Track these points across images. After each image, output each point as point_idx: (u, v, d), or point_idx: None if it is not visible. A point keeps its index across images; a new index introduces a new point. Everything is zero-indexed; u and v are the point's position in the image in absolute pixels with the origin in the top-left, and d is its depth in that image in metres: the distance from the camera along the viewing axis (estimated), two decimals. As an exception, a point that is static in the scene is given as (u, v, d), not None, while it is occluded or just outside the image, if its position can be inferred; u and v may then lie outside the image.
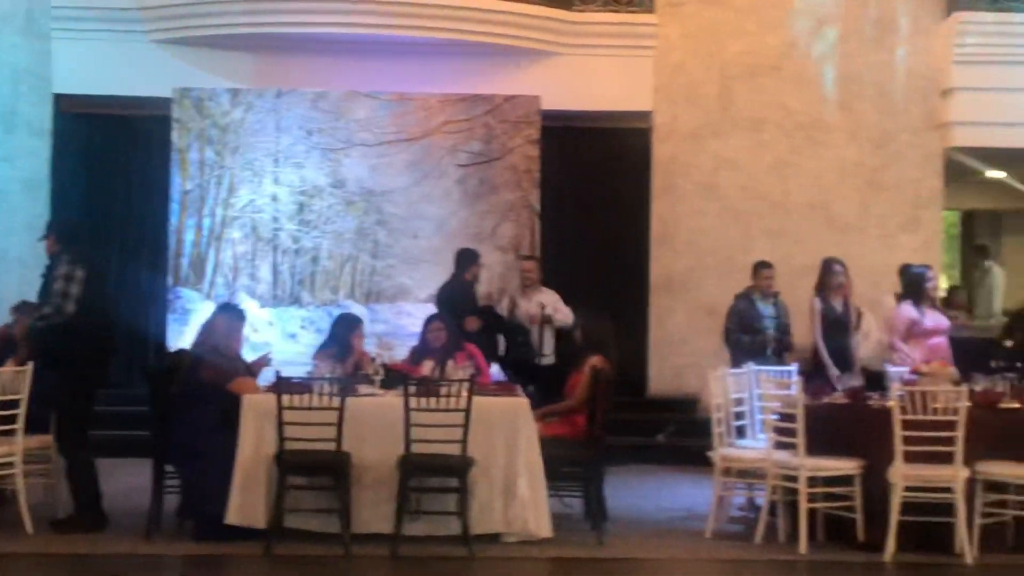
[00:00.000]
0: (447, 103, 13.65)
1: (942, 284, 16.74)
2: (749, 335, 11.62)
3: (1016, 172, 16.96)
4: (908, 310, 10.60)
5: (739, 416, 10.07)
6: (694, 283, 14.02)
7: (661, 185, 14.09)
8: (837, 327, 11.27)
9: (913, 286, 10.80)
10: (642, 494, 10.90)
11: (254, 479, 8.51)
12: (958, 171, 15.11)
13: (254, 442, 8.55)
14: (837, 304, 11.37)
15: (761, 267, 11.98)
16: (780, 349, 11.72)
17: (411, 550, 8.36)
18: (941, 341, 10.68)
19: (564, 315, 11.87)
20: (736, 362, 11.19)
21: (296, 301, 13.48)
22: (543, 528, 8.69)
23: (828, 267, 11.53)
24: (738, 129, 14.12)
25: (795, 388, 8.83)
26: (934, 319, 10.69)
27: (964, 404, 8.31)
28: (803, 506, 8.59)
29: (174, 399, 8.81)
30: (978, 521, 8.50)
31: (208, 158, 13.55)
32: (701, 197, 14.08)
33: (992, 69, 13.65)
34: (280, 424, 8.38)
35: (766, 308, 11.79)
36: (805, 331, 11.77)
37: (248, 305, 12.86)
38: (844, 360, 11.17)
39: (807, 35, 14.13)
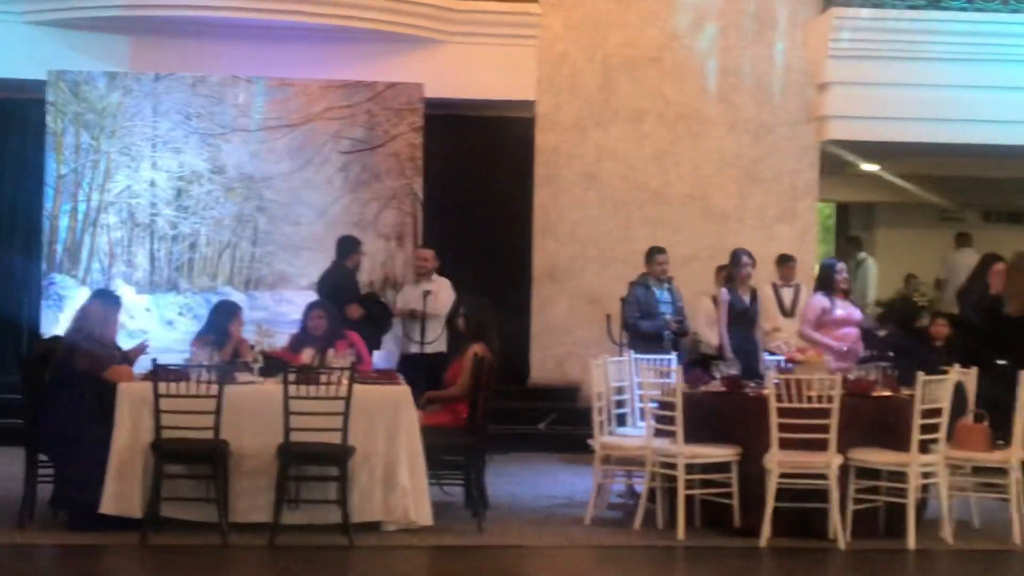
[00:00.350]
0: (329, 89, 13.55)
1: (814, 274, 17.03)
2: (648, 320, 11.71)
3: (889, 166, 17.31)
4: (820, 300, 10.67)
5: (620, 404, 10.17)
6: (576, 272, 14.11)
7: (544, 175, 14.13)
8: (743, 319, 11.36)
9: (824, 278, 10.96)
10: (523, 482, 10.93)
11: (129, 468, 8.38)
12: (833, 164, 15.37)
13: (130, 430, 8.42)
14: (744, 296, 11.47)
15: (655, 253, 12.12)
16: (678, 333, 11.86)
17: (290, 539, 8.30)
18: (851, 331, 10.75)
19: (435, 307, 11.81)
20: (636, 348, 11.28)
21: (174, 288, 13.29)
22: (423, 516, 8.69)
23: (737, 259, 11.65)
24: (619, 120, 14.22)
25: (674, 377, 8.92)
26: (845, 309, 10.74)
27: (838, 392, 8.46)
28: (681, 493, 8.68)
29: (48, 387, 8.64)
30: (851, 507, 8.66)
31: (84, 142, 13.29)
32: (583, 187, 14.15)
33: (867, 64, 13.90)
34: (157, 412, 8.26)
35: (662, 293, 11.92)
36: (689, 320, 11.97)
37: (124, 291, 12.67)
38: (748, 352, 11.29)
39: (687, 28, 14.27)
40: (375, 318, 11.76)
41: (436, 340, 11.80)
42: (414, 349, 11.82)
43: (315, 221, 13.47)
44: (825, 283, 10.82)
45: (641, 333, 11.85)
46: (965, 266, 15.30)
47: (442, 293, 11.90)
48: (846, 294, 10.79)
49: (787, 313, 12.56)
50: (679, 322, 11.88)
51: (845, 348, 10.37)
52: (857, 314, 10.92)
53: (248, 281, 13.39)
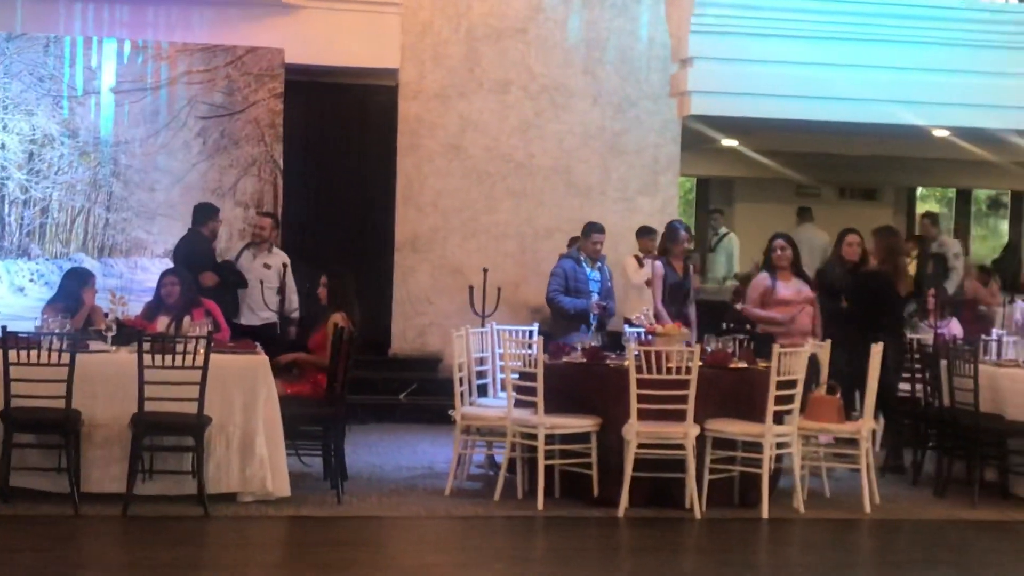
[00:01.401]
0: (186, 52, 13.25)
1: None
2: (572, 298, 11.31)
3: (749, 141, 17.55)
4: (762, 279, 10.64)
5: (481, 375, 10.18)
6: (439, 243, 14.05)
7: (407, 144, 14.03)
8: (676, 292, 11.29)
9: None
10: (383, 453, 10.89)
11: (-22, 438, 8.17)
12: (695, 138, 15.52)
13: (-22, 399, 8.20)
14: (679, 269, 11.39)
15: (592, 230, 11.54)
16: (604, 317, 11.50)
17: (144, 510, 8.19)
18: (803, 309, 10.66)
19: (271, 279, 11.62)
20: (557, 329, 11.19)
21: (25, 253, 12.92)
22: (281, 487, 8.62)
23: (674, 232, 11.39)
24: (483, 91, 14.17)
25: (535, 348, 8.94)
26: (790, 288, 10.58)
27: (696, 364, 8.56)
28: (541, 463, 8.73)
29: None
30: (707, 477, 8.79)
31: (-69, 103, 12.87)
32: (446, 157, 14.08)
33: (728, 40, 14.01)
34: (6, 380, 8.10)
35: (592, 272, 11.58)
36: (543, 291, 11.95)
37: (-28, 257, 12.33)
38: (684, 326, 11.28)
39: (553, 0, 14.26)
40: (230, 286, 11.57)
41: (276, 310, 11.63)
42: (246, 320, 11.63)
43: (171, 187, 13.20)
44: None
45: (563, 311, 11.34)
46: (807, 240, 15.56)
47: (280, 266, 11.62)
48: (798, 273, 10.61)
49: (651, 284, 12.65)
50: (603, 307, 11.37)
51: (789, 318, 10.35)
52: (807, 292, 10.62)
53: (102, 247, 13.08)
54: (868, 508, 9.00)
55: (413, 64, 14.03)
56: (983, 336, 11.46)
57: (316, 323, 9.87)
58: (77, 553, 7.60)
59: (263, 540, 8.08)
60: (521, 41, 14.15)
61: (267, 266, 11.64)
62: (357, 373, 9.77)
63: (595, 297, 11.40)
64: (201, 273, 11.05)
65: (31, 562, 7.18)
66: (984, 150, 16.91)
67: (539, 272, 13.49)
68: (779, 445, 8.80)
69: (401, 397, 13.10)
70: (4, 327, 8.31)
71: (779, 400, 8.69)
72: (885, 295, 10.59)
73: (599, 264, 11.59)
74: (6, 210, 12.97)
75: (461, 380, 9.43)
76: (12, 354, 8.12)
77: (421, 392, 13.12)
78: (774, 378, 8.63)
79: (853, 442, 9.26)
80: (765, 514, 8.66)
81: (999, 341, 11.05)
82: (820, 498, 9.33)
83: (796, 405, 8.82)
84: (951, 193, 22.65)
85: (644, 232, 13.08)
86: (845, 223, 12.23)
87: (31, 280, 12.87)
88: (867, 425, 9.21)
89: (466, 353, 9.64)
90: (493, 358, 10.33)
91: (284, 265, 11.50)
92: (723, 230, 18.01)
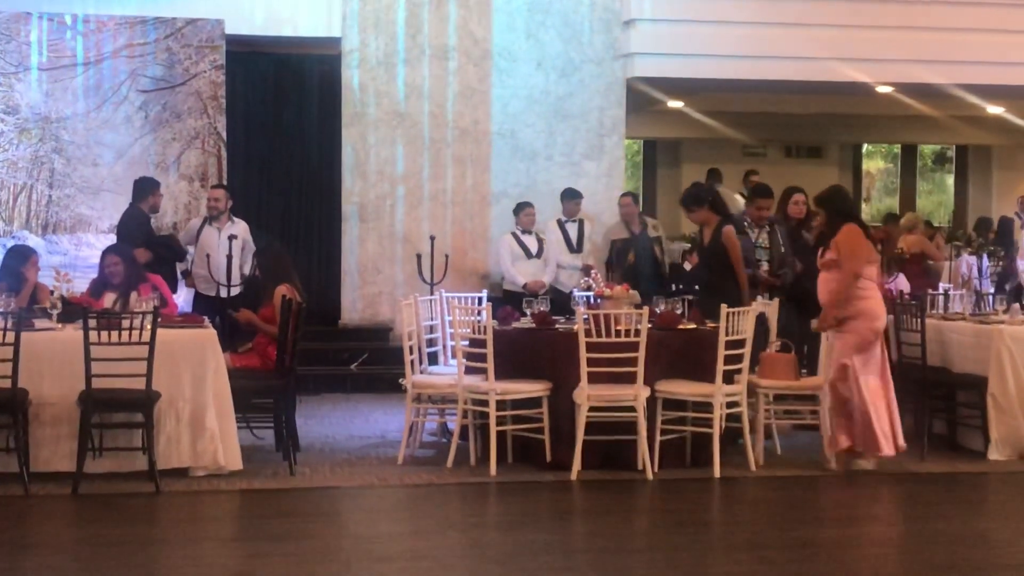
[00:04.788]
0: (124, 25, 13.10)
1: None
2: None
3: (694, 102, 17.57)
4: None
5: (431, 343, 10.17)
6: (386, 212, 13.98)
7: (351, 113, 13.94)
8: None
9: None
10: (334, 423, 10.88)
11: (-77, 420, 8.08)
12: (641, 100, 15.52)
13: (-78, 381, 8.10)
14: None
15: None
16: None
17: (95, 488, 8.14)
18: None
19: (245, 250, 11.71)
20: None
21: (-33, 233, 12.81)
22: (233, 460, 8.60)
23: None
24: (427, 57, 14.08)
25: (484, 315, 8.93)
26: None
27: (645, 326, 8.58)
28: (492, 429, 8.73)
29: None
30: (659, 438, 8.82)
31: None
32: (391, 125, 14.00)
33: (671, 1, 14.03)
34: (-50, 362, 7.98)
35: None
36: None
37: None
38: None
39: (493, -37, 14.18)
40: (164, 261, 11.45)
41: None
42: (212, 292, 11.60)
43: (115, 162, 13.08)
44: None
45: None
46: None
47: (246, 236, 11.73)
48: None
49: (573, 249, 12.82)
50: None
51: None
52: None
53: (46, 225, 12.96)
54: (834, 464, 9.05)
55: (355, 32, 13.93)
56: (930, 291, 11.58)
57: (261, 298, 9.81)
58: (28, 533, 7.54)
59: (216, 514, 8.05)
60: (463, 7, 14.05)
61: (233, 237, 11.58)
62: (307, 344, 9.74)
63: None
64: (135, 249, 10.94)
65: (-19, 543, 7.13)
66: (928, 106, 17.03)
67: (486, 238, 13.51)
68: (729, 404, 8.83)
69: (352, 367, 13.08)
70: (-54, 308, 8.22)
71: (728, 360, 8.73)
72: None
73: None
74: (-54, 189, 12.83)
75: (411, 349, 9.40)
76: (-44, 335, 8.02)
77: (372, 362, 13.09)
78: (723, 338, 8.66)
79: (807, 399, 9.31)
80: (717, 473, 8.70)
81: (946, 295, 11.16)
82: (771, 456, 9.39)
83: (745, 364, 8.86)
84: (896, 149, 22.79)
85: (570, 195, 13.17)
86: (792, 181, 12.32)
87: (-26, 259, 12.73)
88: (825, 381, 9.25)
89: (416, 321, 9.62)
90: (443, 326, 10.33)
91: (234, 237, 11.52)
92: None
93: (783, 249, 10.72)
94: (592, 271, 11.25)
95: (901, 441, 8.96)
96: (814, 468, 9.10)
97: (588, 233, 13.07)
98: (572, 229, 12.99)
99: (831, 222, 9.09)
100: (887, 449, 8.86)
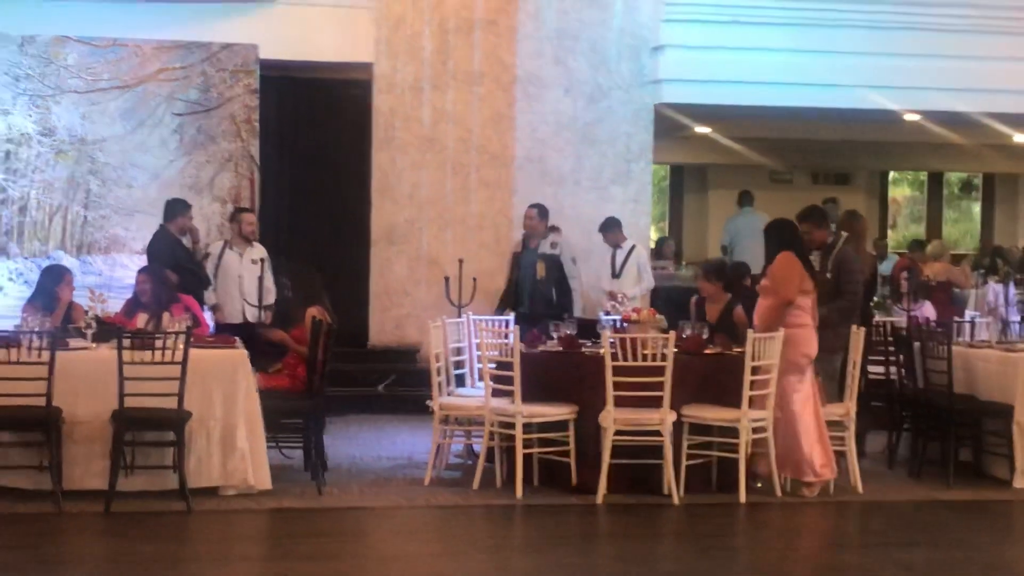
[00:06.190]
0: (162, 50, 13.27)
1: (652, 235, 17.34)
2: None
3: (722, 128, 17.63)
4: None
5: (458, 365, 10.24)
6: (414, 235, 14.08)
7: (381, 137, 14.05)
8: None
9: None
10: (362, 444, 10.95)
11: (-40, 437, 8.20)
12: (668, 126, 15.59)
13: (-41, 399, 8.22)
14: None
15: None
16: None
17: (126, 506, 8.22)
18: None
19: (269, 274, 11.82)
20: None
21: (3, 253, 12.92)
22: (262, 480, 8.67)
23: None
24: (456, 82, 14.19)
25: (512, 337, 9.00)
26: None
27: (671, 350, 8.64)
28: (519, 452, 8.79)
29: None
30: (684, 462, 8.86)
31: (-91, 103, 12.84)
32: (421, 149, 14.10)
33: (700, 28, 14.09)
34: (-14, 380, 8.09)
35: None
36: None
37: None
38: None
39: (524, -10, 14.29)
40: (188, 288, 11.49)
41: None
42: (237, 319, 11.67)
43: (149, 184, 13.21)
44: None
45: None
46: (749, 224, 15.60)
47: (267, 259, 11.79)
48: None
49: (615, 274, 12.95)
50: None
51: None
52: None
53: (81, 245, 13.10)
54: (860, 488, 9.08)
55: (386, 57, 14.05)
56: (956, 318, 11.59)
57: (292, 320, 9.91)
58: (60, 550, 7.63)
59: (245, 533, 8.14)
60: (492, 33, 14.17)
61: (261, 260, 11.67)
62: (336, 365, 9.81)
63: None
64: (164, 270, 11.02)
65: (14, 560, 7.20)
66: (955, 133, 17.04)
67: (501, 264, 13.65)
68: (755, 430, 8.87)
69: (380, 388, 13.16)
70: (-16, 326, 8.35)
71: (754, 385, 8.78)
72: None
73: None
74: (-16, 210, 12.99)
75: (439, 370, 9.48)
76: (-8, 353, 8.15)
77: (399, 383, 13.16)
78: (749, 363, 8.71)
79: (832, 424, 9.36)
80: (743, 498, 8.74)
81: (972, 323, 11.18)
82: (796, 482, 9.41)
83: (771, 390, 8.90)
84: (923, 176, 22.79)
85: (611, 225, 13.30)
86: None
87: (10, 279, 12.88)
88: (852, 408, 9.31)
89: (443, 344, 9.70)
90: (470, 348, 10.40)
91: (263, 260, 11.61)
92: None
93: None
94: (619, 296, 11.33)
95: (832, 468, 9.03)
96: (840, 494, 9.12)
97: (637, 260, 13.17)
98: (620, 256, 13.15)
99: (769, 250, 9.24)
100: (810, 475, 8.92)
